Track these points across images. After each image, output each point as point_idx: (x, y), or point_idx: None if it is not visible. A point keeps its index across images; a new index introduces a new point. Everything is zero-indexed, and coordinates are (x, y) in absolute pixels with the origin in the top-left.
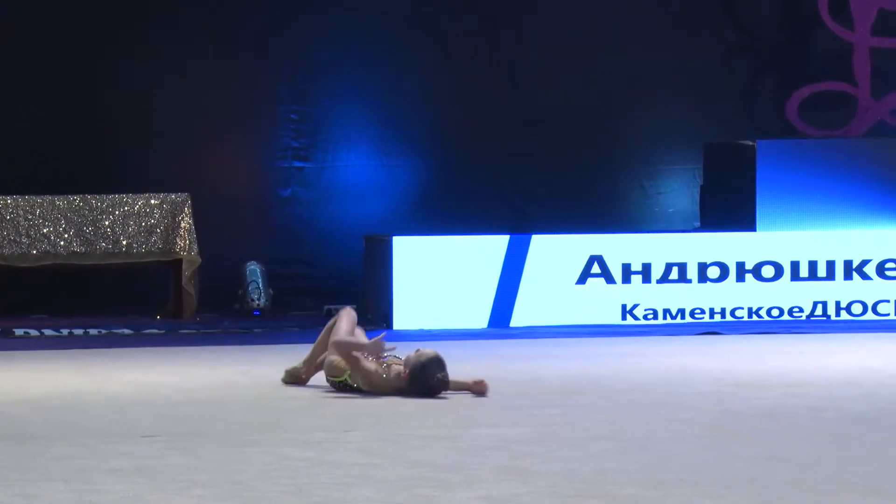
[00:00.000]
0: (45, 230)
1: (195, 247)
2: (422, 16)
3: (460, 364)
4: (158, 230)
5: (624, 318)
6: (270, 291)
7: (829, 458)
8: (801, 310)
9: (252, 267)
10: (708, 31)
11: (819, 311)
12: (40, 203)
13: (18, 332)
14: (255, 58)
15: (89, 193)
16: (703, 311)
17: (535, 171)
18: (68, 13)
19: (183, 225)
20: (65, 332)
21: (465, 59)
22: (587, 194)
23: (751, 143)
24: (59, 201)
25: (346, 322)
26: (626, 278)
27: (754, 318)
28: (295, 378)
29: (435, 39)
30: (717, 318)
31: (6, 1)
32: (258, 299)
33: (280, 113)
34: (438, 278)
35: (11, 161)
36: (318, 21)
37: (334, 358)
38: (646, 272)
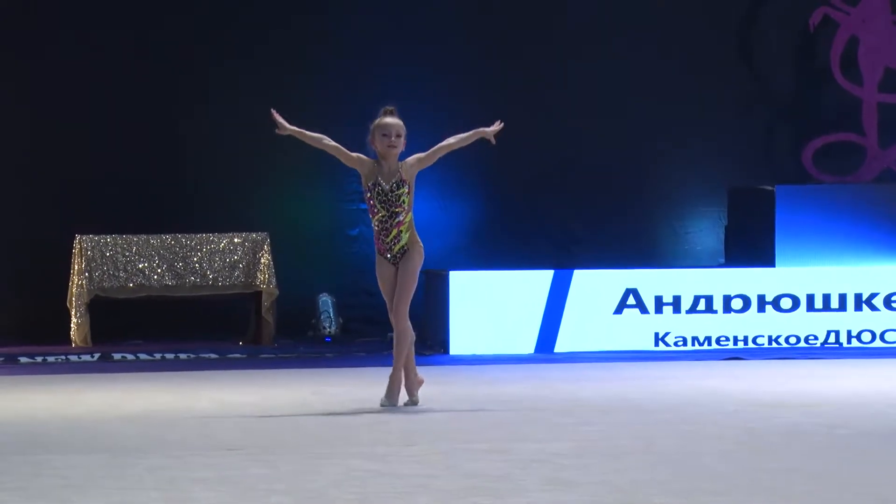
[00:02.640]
0: (140, 265)
1: (273, 280)
2: (474, 72)
3: (509, 385)
4: (241, 265)
5: (656, 344)
6: (340, 320)
7: (842, 470)
8: (815, 338)
9: (324, 298)
10: (730, 87)
11: (832, 339)
12: (136, 241)
13: (116, 356)
14: (325, 110)
15: (180, 233)
16: (727, 339)
17: (577, 212)
18: (162, 69)
19: (263, 261)
20: (157, 356)
21: (513, 112)
22: (623, 233)
23: (770, 187)
24: (153, 240)
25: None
26: (659, 309)
27: (774, 345)
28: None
29: (486, 93)
30: (741, 345)
31: (100, 54)
32: (329, 327)
33: None
34: (490, 308)
35: (111, 205)
36: (382, 75)
37: None
38: (676, 303)
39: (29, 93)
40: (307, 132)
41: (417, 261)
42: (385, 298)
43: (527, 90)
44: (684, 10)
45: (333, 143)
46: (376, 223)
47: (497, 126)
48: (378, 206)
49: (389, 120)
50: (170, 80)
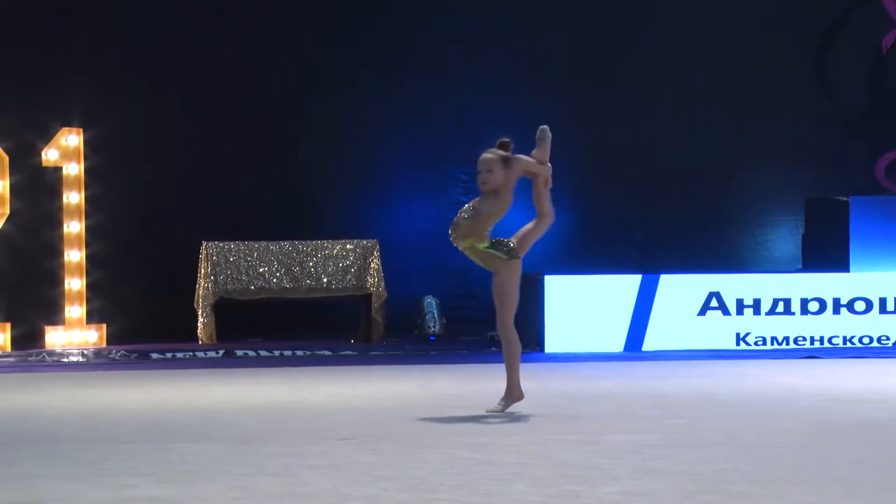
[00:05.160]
0: (260, 270)
1: (382, 283)
2: (564, 88)
3: (599, 381)
4: (352, 270)
5: (738, 344)
6: (444, 320)
7: None
8: (888, 338)
9: (429, 300)
10: (807, 104)
11: None
12: (257, 248)
13: (239, 353)
14: (430, 128)
15: (297, 240)
16: (804, 339)
17: (664, 221)
18: (280, 90)
19: (373, 265)
20: (276, 353)
21: (602, 126)
22: (707, 241)
23: (845, 198)
24: (273, 246)
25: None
26: (740, 311)
27: (848, 345)
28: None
29: (577, 108)
30: (817, 344)
31: (226, 74)
32: (434, 327)
33: (451, 174)
34: (583, 310)
35: (235, 214)
36: (477, 96)
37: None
38: (756, 306)
39: (161, 107)
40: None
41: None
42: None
43: (614, 109)
44: (764, 31)
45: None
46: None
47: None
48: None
49: (482, 156)
50: (287, 98)
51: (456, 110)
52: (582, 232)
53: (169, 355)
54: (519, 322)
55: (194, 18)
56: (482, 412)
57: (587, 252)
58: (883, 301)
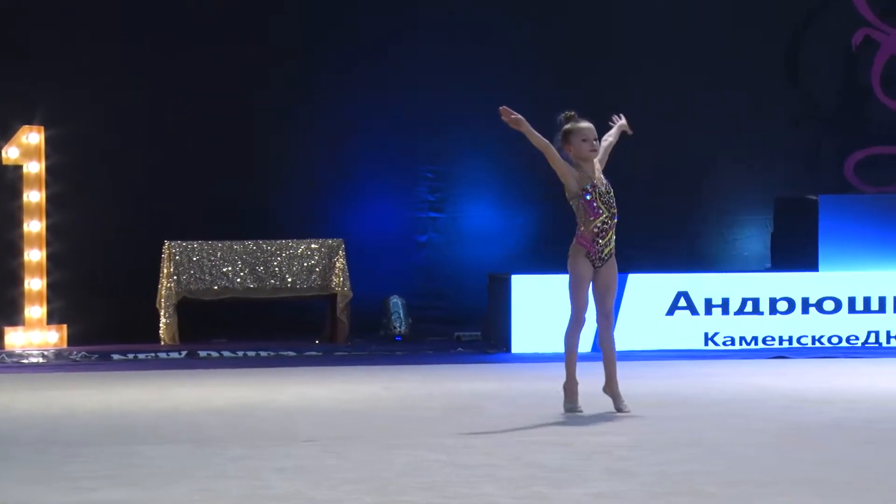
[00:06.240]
0: (224, 269)
1: (348, 283)
2: (534, 87)
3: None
4: (317, 269)
5: (706, 344)
6: (409, 320)
7: (882, 462)
8: (856, 338)
9: (395, 300)
10: (776, 103)
11: (872, 339)
12: (221, 247)
13: (202, 353)
14: (396, 126)
15: (261, 239)
16: (773, 339)
17: (632, 219)
18: (243, 86)
19: (338, 265)
20: (240, 353)
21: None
22: (676, 239)
23: (814, 197)
24: (237, 245)
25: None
26: (708, 310)
27: (817, 345)
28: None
29: (547, 107)
30: (786, 344)
31: (187, 73)
32: (399, 327)
33: (418, 172)
34: (550, 309)
35: (198, 213)
36: (447, 94)
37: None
38: (725, 305)
39: (123, 108)
40: (536, 133)
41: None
42: (580, 297)
43: (584, 108)
44: (735, 30)
45: (554, 149)
46: (596, 225)
47: (624, 120)
48: (602, 208)
49: (584, 125)
50: (251, 98)
51: (422, 108)
52: (549, 230)
53: (131, 356)
54: (486, 322)
55: (158, 17)
56: (450, 412)
57: (554, 251)
58: (852, 301)
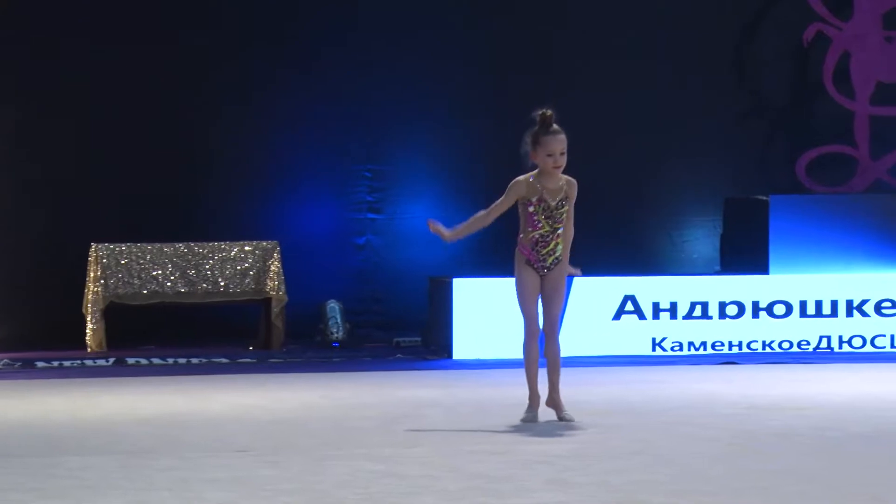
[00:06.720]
0: (154, 273)
1: (283, 287)
2: (471, 84)
3: (510, 389)
4: (251, 273)
5: (654, 349)
6: (347, 325)
7: (833, 471)
8: (808, 343)
9: (332, 304)
10: (726, 100)
11: (824, 344)
12: (150, 249)
13: (131, 360)
14: (333, 124)
15: (192, 241)
16: (722, 344)
17: (577, 221)
18: (174, 82)
19: (272, 268)
20: (170, 360)
21: (514, 124)
22: (622, 242)
23: (764, 197)
24: (167, 248)
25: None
26: (656, 315)
27: (767, 350)
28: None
29: (487, 106)
30: (735, 349)
31: (114, 67)
32: (337, 332)
33: (355, 171)
34: (492, 314)
35: (126, 214)
36: (387, 92)
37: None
38: (673, 310)
39: (47, 105)
40: (465, 226)
41: (564, 271)
42: (527, 307)
43: (525, 102)
44: (682, 24)
45: (489, 210)
46: (536, 236)
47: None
48: (543, 221)
49: (553, 140)
50: (182, 93)
51: (360, 106)
52: (492, 232)
53: (56, 364)
54: (426, 328)
55: (78, 15)
56: (389, 421)
57: (497, 253)
58: (803, 304)
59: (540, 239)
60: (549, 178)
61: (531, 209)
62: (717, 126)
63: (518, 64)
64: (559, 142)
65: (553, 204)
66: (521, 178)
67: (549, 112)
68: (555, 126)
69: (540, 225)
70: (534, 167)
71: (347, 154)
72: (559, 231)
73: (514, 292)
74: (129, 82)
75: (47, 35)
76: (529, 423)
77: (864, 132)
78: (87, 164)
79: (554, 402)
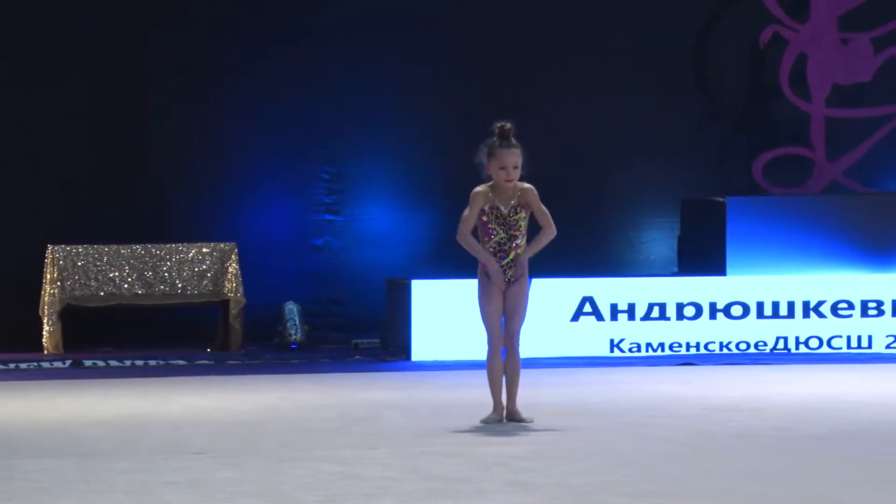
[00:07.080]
0: (111, 274)
1: (241, 289)
2: (427, 86)
3: (469, 391)
4: (209, 274)
5: (612, 351)
6: (306, 327)
7: (791, 471)
8: (765, 344)
9: (290, 306)
10: (683, 102)
11: (781, 345)
12: (107, 251)
13: (87, 362)
14: (291, 126)
15: (150, 243)
16: (680, 345)
17: (534, 222)
18: (132, 82)
19: (230, 270)
20: (128, 362)
21: (472, 125)
22: (580, 243)
23: (722, 199)
24: (124, 249)
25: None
26: (614, 316)
27: (725, 351)
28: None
29: (445, 108)
30: (693, 351)
31: (71, 66)
32: (295, 334)
33: (313, 173)
34: (451, 316)
35: (83, 215)
36: (344, 94)
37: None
38: (631, 311)
39: (5, 107)
40: (474, 250)
41: (526, 285)
42: (490, 323)
43: (485, 104)
44: (638, 26)
45: (465, 226)
46: (493, 245)
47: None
48: (497, 229)
49: (507, 153)
50: (140, 94)
51: (318, 107)
52: (450, 233)
53: (12, 366)
54: (384, 329)
55: (48, 10)
56: (348, 423)
57: (456, 255)
58: (760, 305)
59: (498, 249)
60: (503, 189)
61: (485, 218)
62: (674, 128)
63: (476, 66)
64: (513, 155)
65: (505, 211)
66: (479, 188)
67: (508, 126)
68: (512, 140)
69: (495, 233)
70: (489, 178)
71: (305, 156)
72: (517, 241)
73: (477, 306)
74: (84, 83)
75: (13, 32)
76: (490, 423)
77: (820, 134)
78: (42, 165)
79: (510, 410)
